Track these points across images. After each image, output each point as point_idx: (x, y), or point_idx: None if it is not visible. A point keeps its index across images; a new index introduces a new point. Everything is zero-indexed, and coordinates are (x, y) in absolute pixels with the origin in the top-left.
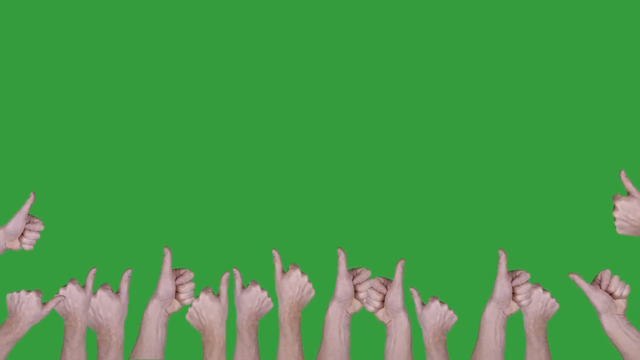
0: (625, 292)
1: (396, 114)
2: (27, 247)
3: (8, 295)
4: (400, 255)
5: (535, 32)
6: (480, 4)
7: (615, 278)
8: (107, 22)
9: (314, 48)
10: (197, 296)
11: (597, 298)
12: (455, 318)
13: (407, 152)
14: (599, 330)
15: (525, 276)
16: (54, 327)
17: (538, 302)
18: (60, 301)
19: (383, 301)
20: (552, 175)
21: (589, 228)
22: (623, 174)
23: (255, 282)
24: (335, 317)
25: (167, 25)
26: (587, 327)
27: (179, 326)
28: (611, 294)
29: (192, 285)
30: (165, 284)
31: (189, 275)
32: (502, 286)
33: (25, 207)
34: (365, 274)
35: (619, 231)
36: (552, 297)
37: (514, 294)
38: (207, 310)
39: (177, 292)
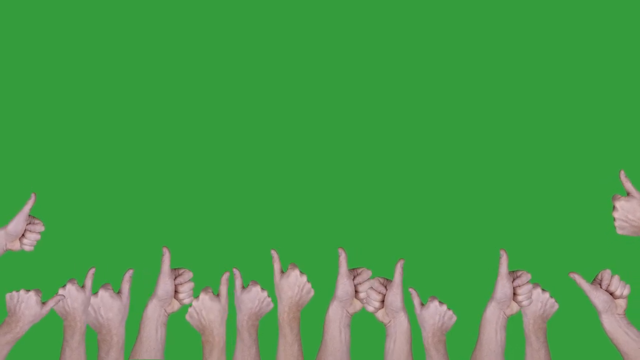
0: (626, 291)
1: (396, 115)
2: (27, 248)
3: (7, 295)
4: (400, 255)
5: (535, 33)
6: (480, 4)
7: (616, 278)
8: (107, 22)
9: (313, 48)
10: (197, 296)
11: (598, 298)
12: (455, 318)
13: (407, 152)
14: (599, 330)
15: (526, 276)
16: (53, 327)
17: (537, 302)
18: (59, 300)
19: (383, 301)
20: (552, 175)
21: (589, 228)
22: (623, 174)
23: (255, 282)
24: (336, 317)
25: (167, 26)
26: (587, 327)
27: (179, 326)
28: (611, 294)
29: (191, 284)
30: (165, 284)
31: (188, 274)
32: (503, 286)
33: (26, 208)
34: (365, 274)
35: (619, 231)
36: (551, 297)
37: (514, 294)
38: (207, 310)
39: (176, 291)
